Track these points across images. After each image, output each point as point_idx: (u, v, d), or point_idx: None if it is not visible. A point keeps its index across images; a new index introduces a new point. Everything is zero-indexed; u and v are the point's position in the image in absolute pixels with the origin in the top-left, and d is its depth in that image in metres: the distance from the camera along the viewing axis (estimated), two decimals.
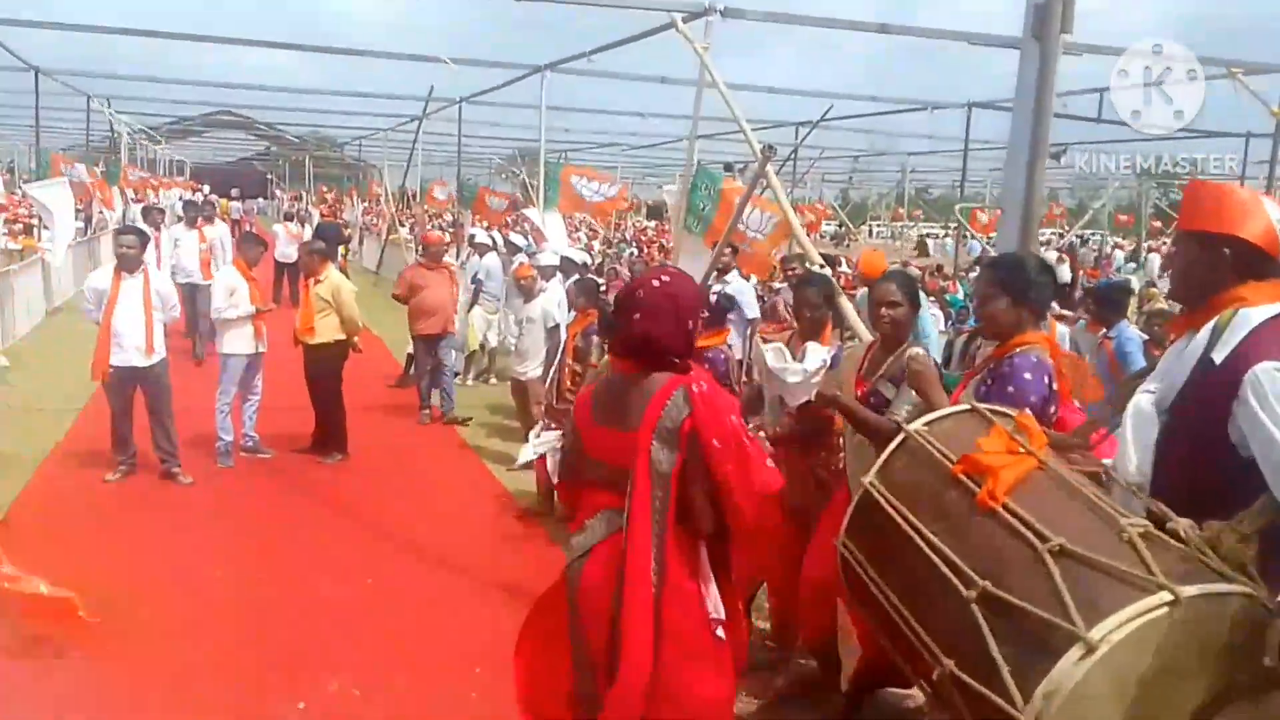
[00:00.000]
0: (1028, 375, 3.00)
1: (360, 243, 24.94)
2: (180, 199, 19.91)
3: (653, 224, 32.24)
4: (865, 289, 6.82)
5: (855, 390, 3.86)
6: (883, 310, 3.82)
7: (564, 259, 9.35)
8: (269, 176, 51.05)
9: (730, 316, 5.92)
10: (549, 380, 6.85)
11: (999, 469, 2.08)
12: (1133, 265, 21.53)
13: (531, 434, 6.47)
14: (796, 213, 8.44)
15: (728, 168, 21.14)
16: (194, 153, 46.43)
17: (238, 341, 7.37)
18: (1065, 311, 8.80)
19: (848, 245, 26.69)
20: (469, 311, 10.85)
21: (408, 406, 9.58)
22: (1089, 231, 29.83)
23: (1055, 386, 3.08)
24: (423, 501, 6.88)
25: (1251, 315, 2.16)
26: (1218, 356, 2.17)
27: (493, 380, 11.18)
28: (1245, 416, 2.09)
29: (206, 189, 32.08)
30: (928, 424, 2.35)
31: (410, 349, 10.13)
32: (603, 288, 7.84)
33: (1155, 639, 1.74)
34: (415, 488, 7.22)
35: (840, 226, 31.76)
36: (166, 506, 6.50)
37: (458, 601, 5.18)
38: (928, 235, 34.73)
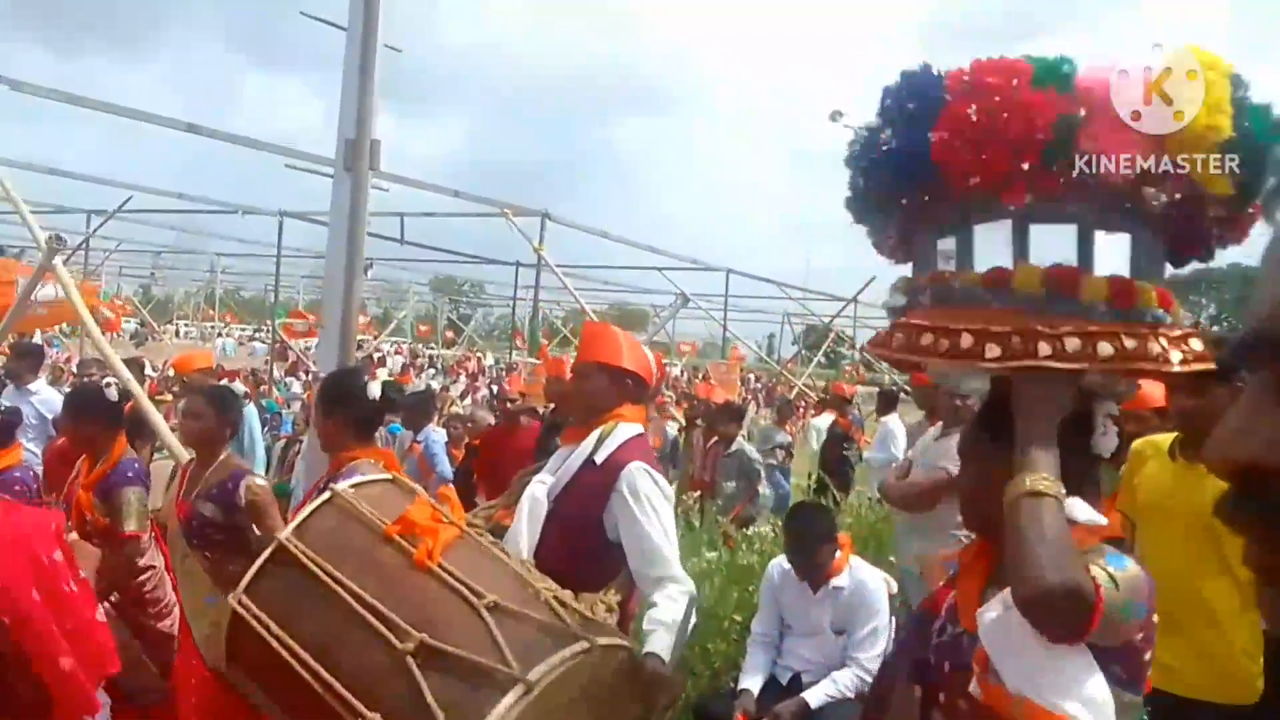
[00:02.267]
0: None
1: None
2: None
3: None
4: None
5: (179, 514, 3.58)
6: (186, 421, 3.69)
7: None
8: None
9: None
10: None
11: (435, 530, 2.22)
12: (432, 371, 23.81)
13: None
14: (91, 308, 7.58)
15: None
16: None
17: None
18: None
19: (149, 344, 24.62)
20: None
21: None
22: (395, 339, 32.22)
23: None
24: None
25: (625, 429, 2.73)
26: (599, 458, 2.66)
27: None
28: (618, 504, 2.58)
29: None
30: (355, 486, 2.38)
31: None
32: None
33: (573, 679, 2.06)
34: None
35: (142, 325, 29.21)
36: None
37: None
38: (241, 338, 33.85)
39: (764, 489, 6.74)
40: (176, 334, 33.53)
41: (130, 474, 3.86)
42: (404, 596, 2.14)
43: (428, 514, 2.31)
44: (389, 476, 2.58)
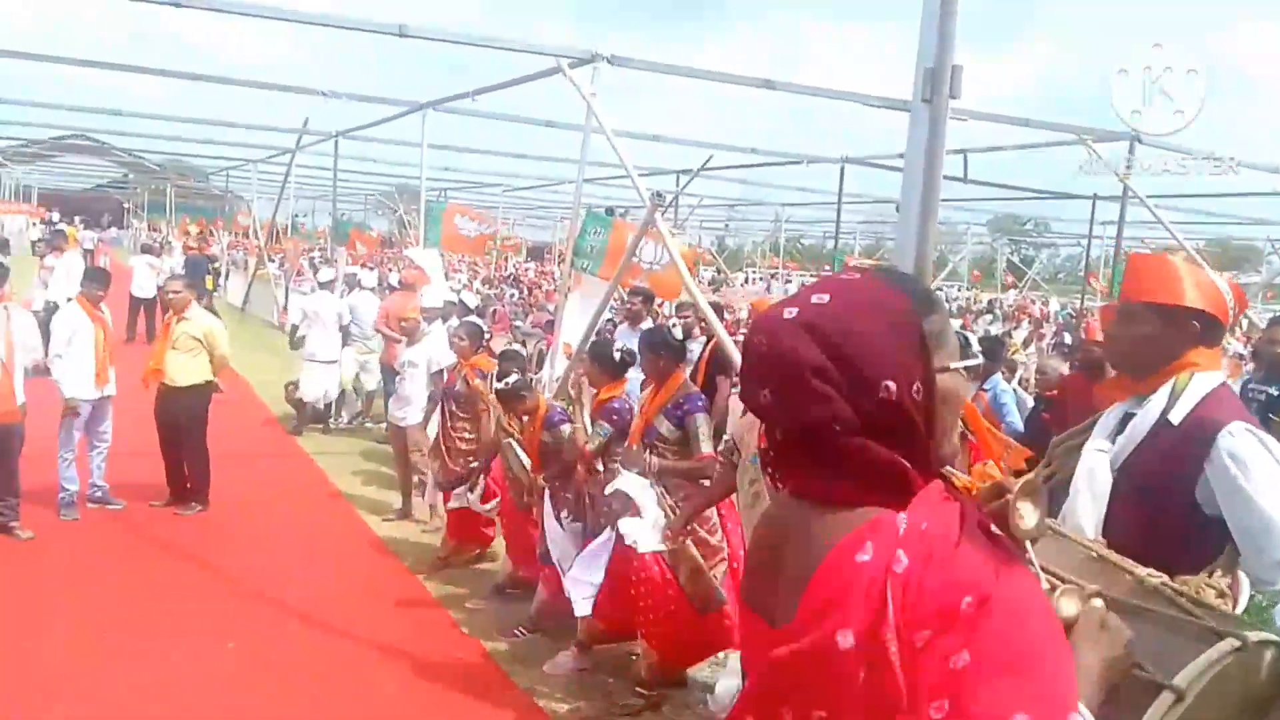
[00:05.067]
0: None
1: (226, 277, 23.84)
2: (44, 224, 18.69)
3: (534, 264, 32.13)
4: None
5: (756, 442, 3.91)
6: None
7: (460, 302, 9.24)
8: (125, 205, 48.44)
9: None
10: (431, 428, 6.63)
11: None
12: (989, 317, 22.66)
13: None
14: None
15: (609, 211, 21.32)
16: (41, 177, 43.58)
17: (81, 385, 6.72)
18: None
19: (724, 289, 27.19)
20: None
21: (274, 455, 9.09)
22: (949, 284, 31.38)
23: None
24: (293, 556, 6.47)
25: (1204, 380, 2.26)
26: (1175, 417, 2.23)
27: (367, 424, 10.76)
28: (1216, 474, 2.14)
29: (55, 216, 30.08)
30: None
31: (302, 393, 10.01)
32: (487, 333, 7.64)
33: (1224, 685, 1.71)
34: (284, 541, 6.80)
35: (718, 273, 32.39)
36: (1, 564, 5.90)
37: (330, 666, 4.84)
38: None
39: None
40: (745, 280, 36.58)
41: (700, 403, 4.42)
42: None
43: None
44: None
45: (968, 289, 32.14)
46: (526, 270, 27.72)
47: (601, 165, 14.37)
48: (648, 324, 7.73)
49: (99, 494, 7.03)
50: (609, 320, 10.26)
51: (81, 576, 5.82)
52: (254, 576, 5.94)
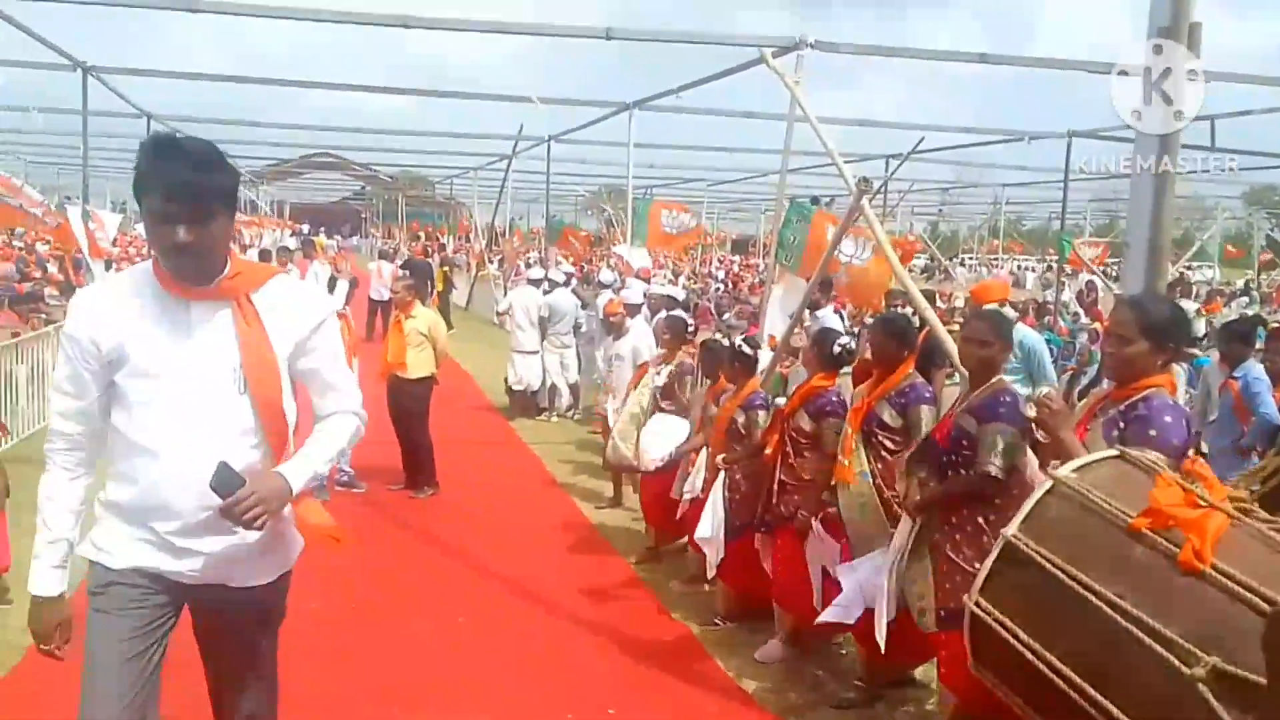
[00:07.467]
0: (1168, 418, 2.82)
1: (472, 286, 25.38)
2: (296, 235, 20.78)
3: (738, 258, 32.17)
4: None
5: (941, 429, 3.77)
6: (964, 345, 3.81)
7: (667, 297, 9.43)
8: (363, 215, 52.78)
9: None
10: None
11: (1199, 523, 1.83)
12: (1245, 299, 20.41)
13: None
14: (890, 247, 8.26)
15: (814, 200, 20.99)
16: (292, 193, 48.28)
17: None
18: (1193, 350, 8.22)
19: (939, 279, 26.05)
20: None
21: (496, 442, 9.63)
22: (1197, 264, 28.57)
23: (1195, 430, 2.89)
24: (515, 538, 6.85)
25: None
26: None
27: (576, 416, 11.18)
28: None
29: (306, 228, 33.26)
30: (1077, 470, 2.13)
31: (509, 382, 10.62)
32: (690, 326, 7.75)
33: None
34: (507, 524, 7.20)
35: (931, 260, 31.08)
36: None
37: (549, 642, 5.10)
38: (1027, 269, 33.81)
39: None
40: (961, 264, 34.93)
41: (928, 395, 4.30)
42: (1176, 607, 1.76)
43: (1178, 496, 1.87)
44: (1115, 452, 2.20)
45: (1218, 269, 29.13)
46: (731, 263, 27.77)
47: (806, 154, 14.18)
48: (825, 311, 7.54)
49: (345, 478, 7.73)
50: None
51: (331, 553, 6.42)
52: (481, 556, 6.33)
